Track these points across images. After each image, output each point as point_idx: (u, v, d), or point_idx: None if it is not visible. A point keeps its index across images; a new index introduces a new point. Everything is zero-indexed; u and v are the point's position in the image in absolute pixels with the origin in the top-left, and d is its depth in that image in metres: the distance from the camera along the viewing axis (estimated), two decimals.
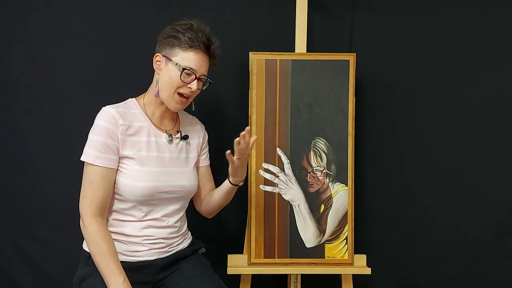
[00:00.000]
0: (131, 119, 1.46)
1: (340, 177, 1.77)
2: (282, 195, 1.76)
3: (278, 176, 1.75)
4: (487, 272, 2.00)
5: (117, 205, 1.46)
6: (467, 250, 1.99)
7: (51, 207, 1.86)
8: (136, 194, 1.43)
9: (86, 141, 1.43)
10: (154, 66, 1.49)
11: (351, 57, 1.76)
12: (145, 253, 1.48)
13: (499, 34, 1.97)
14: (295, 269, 1.75)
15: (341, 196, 1.76)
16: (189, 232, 1.65)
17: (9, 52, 1.83)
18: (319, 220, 1.76)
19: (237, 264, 1.75)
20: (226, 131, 1.89)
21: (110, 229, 1.44)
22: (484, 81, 1.97)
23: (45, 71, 1.84)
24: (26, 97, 1.84)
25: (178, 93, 1.47)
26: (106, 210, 1.43)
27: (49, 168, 1.85)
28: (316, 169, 1.76)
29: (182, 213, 1.58)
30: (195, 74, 1.45)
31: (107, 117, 1.42)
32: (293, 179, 1.76)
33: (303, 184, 1.76)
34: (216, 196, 1.61)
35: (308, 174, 1.76)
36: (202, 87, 1.52)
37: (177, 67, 1.44)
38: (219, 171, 1.75)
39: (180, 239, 1.57)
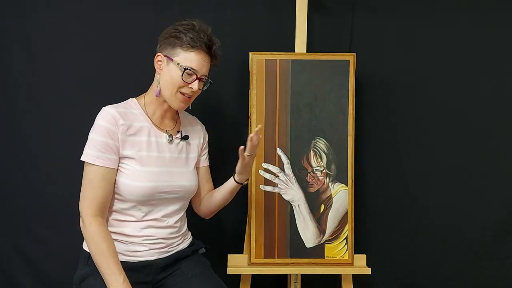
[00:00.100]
0: (131, 119, 1.46)
1: (340, 177, 1.77)
2: (282, 195, 1.76)
3: (278, 176, 1.75)
4: (487, 272, 2.00)
5: (117, 205, 1.46)
6: (467, 250, 1.99)
7: (51, 207, 1.86)
8: (136, 194, 1.43)
9: (86, 141, 1.43)
10: (155, 66, 1.49)
11: (351, 57, 1.76)
12: (145, 253, 1.48)
13: (499, 34, 1.97)
14: (295, 269, 1.75)
15: (341, 196, 1.76)
16: (189, 232, 1.65)
17: (9, 52, 1.83)
18: (319, 220, 1.76)
19: (237, 264, 1.75)
20: (226, 131, 1.89)
21: (110, 229, 1.44)
22: (484, 81, 1.97)
23: (45, 71, 1.84)
24: (26, 97, 1.84)
25: (181, 92, 1.47)
26: (106, 210, 1.43)
27: (49, 168, 1.85)
28: (316, 169, 1.76)
29: (182, 213, 1.58)
30: (197, 74, 1.46)
31: (108, 117, 1.42)
32: (293, 179, 1.76)
33: (303, 184, 1.76)
34: (218, 195, 1.61)
35: (308, 174, 1.76)
36: (203, 87, 1.52)
37: (178, 67, 1.44)
38: (219, 171, 1.75)
39: (180, 239, 1.57)
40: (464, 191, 1.98)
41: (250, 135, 1.46)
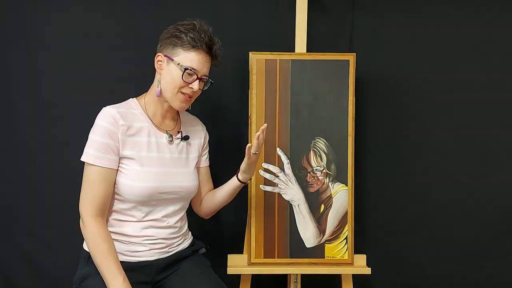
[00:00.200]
0: (131, 119, 1.46)
1: (340, 177, 1.77)
2: (282, 195, 1.76)
3: (278, 176, 1.75)
4: (487, 272, 2.00)
5: (117, 206, 1.46)
6: (467, 250, 1.99)
7: (51, 207, 1.86)
8: (136, 194, 1.43)
9: (86, 141, 1.42)
10: (156, 66, 1.49)
11: (351, 57, 1.76)
12: (145, 253, 1.48)
13: (499, 34, 1.97)
14: (295, 269, 1.75)
15: (341, 196, 1.76)
16: (190, 232, 1.65)
17: (9, 52, 1.83)
18: (319, 220, 1.76)
19: (237, 264, 1.75)
20: (226, 131, 1.89)
21: (110, 229, 1.44)
22: (484, 81, 1.97)
23: (45, 71, 1.84)
24: (26, 97, 1.84)
25: (181, 92, 1.47)
26: (106, 211, 1.43)
27: (49, 168, 1.85)
28: (316, 169, 1.76)
29: (183, 213, 1.57)
30: (197, 74, 1.45)
31: (108, 117, 1.42)
32: (293, 179, 1.76)
33: (303, 184, 1.76)
34: (219, 195, 1.62)
35: (308, 174, 1.76)
36: (204, 87, 1.51)
37: (178, 67, 1.44)
38: (219, 171, 1.75)
39: (180, 240, 1.57)
40: (464, 191, 1.98)
41: (257, 133, 1.47)
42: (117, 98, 1.54)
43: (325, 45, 1.89)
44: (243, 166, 1.54)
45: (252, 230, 1.74)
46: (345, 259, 1.76)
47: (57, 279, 1.86)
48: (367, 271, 1.76)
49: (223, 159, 1.81)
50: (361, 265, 1.79)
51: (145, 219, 1.47)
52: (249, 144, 1.49)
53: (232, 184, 1.59)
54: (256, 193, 1.74)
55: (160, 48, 1.49)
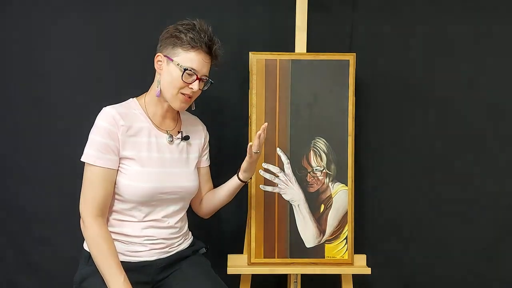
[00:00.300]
0: (131, 119, 1.46)
1: (340, 177, 1.77)
2: (282, 195, 1.76)
3: (278, 176, 1.75)
4: (487, 272, 2.00)
5: (117, 206, 1.46)
6: (467, 250, 1.99)
7: (51, 207, 1.86)
8: (137, 194, 1.43)
9: (86, 142, 1.42)
10: (156, 66, 1.49)
11: (351, 57, 1.76)
12: (146, 253, 1.48)
13: (500, 34, 1.97)
14: (295, 269, 1.75)
15: (341, 196, 1.76)
16: (190, 233, 1.65)
17: (9, 52, 1.83)
18: (319, 220, 1.76)
19: (237, 264, 1.75)
20: (226, 131, 1.89)
21: (111, 229, 1.44)
22: (484, 81, 1.97)
23: (45, 71, 1.84)
24: (26, 97, 1.84)
25: (181, 93, 1.47)
26: (106, 211, 1.43)
27: (49, 168, 1.85)
28: (316, 169, 1.76)
29: (183, 213, 1.58)
30: (197, 75, 1.45)
31: (108, 117, 1.42)
32: (293, 179, 1.76)
33: (303, 184, 1.76)
34: (219, 194, 1.62)
35: (308, 174, 1.76)
36: (204, 87, 1.51)
37: (178, 68, 1.44)
38: (219, 171, 1.75)
39: (181, 240, 1.57)
40: (464, 191, 1.98)
41: (258, 132, 1.47)
42: (117, 98, 1.54)
43: (325, 45, 1.89)
44: (244, 165, 1.54)
45: (252, 230, 1.74)
46: (345, 259, 1.76)
47: (57, 279, 1.86)
48: (367, 271, 1.76)
49: (223, 159, 1.81)
50: (361, 265, 1.79)
51: (145, 219, 1.47)
52: (250, 143, 1.50)
53: (233, 183, 1.59)
54: (256, 193, 1.74)
55: (160, 48, 1.48)
